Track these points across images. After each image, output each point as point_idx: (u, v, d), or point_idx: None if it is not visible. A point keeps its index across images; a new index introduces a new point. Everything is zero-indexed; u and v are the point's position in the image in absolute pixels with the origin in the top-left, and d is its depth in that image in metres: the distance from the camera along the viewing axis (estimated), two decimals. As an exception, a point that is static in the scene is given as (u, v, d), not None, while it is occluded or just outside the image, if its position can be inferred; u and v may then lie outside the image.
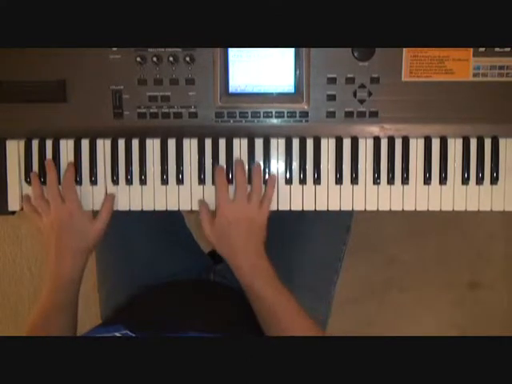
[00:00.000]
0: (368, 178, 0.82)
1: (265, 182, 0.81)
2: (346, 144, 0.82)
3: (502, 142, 0.81)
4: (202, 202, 0.82)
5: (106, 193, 0.83)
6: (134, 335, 0.65)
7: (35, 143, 0.83)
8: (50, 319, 0.78)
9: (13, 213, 0.85)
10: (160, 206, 0.83)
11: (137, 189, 0.83)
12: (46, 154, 0.83)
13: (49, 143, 0.83)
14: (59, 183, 0.81)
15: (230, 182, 0.81)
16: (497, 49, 0.79)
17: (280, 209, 0.82)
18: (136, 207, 0.83)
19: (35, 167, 0.83)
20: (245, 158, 0.82)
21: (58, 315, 0.79)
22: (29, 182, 0.83)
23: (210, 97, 0.81)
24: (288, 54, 0.80)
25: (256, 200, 0.79)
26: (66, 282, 0.80)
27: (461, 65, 0.79)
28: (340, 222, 0.93)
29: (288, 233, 0.92)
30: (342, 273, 0.96)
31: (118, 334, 0.66)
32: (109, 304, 0.95)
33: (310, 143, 0.82)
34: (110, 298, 0.95)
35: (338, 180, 0.82)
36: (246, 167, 0.82)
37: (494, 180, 0.81)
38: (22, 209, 0.84)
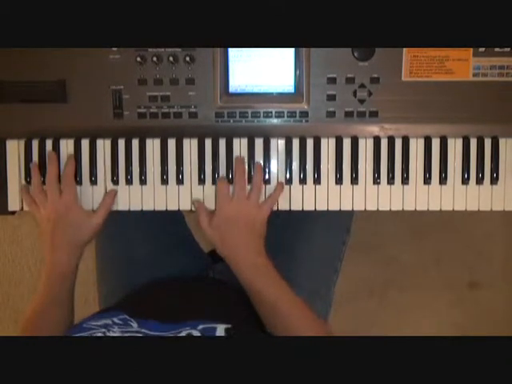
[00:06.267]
0: (368, 178, 0.82)
1: (265, 181, 0.82)
2: (346, 144, 0.82)
3: (501, 141, 0.81)
4: (198, 201, 0.82)
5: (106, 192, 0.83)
6: (132, 319, 0.65)
7: (35, 143, 0.83)
8: (45, 314, 0.78)
9: (13, 213, 0.85)
10: (160, 206, 0.83)
11: (137, 189, 0.83)
12: (46, 154, 0.83)
13: (49, 143, 0.83)
14: (59, 177, 0.81)
15: (230, 182, 0.81)
16: (497, 49, 0.79)
17: (280, 209, 0.82)
18: (136, 207, 0.83)
19: (35, 167, 0.83)
20: (245, 158, 0.82)
21: (53, 310, 0.79)
22: (29, 182, 0.83)
23: (209, 97, 0.81)
24: (288, 54, 0.80)
25: (255, 197, 0.79)
26: (60, 276, 0.80)
27: (461, 65, 0.79)
28: (340, 223, 0.93)
29: (288, 233, 0.92)
30: (341, 273, 0.96)
31: (116, 320, 0.66)
32: (108, 303, 0.95)
33: (310, 143, 0.82)
34: (109, 297, 0.95)
35: (338, 180, 0.82)
36: (246, 167, 0.82)
37: (494, 180, 0.81)
38: (21, 209, 0.84)
